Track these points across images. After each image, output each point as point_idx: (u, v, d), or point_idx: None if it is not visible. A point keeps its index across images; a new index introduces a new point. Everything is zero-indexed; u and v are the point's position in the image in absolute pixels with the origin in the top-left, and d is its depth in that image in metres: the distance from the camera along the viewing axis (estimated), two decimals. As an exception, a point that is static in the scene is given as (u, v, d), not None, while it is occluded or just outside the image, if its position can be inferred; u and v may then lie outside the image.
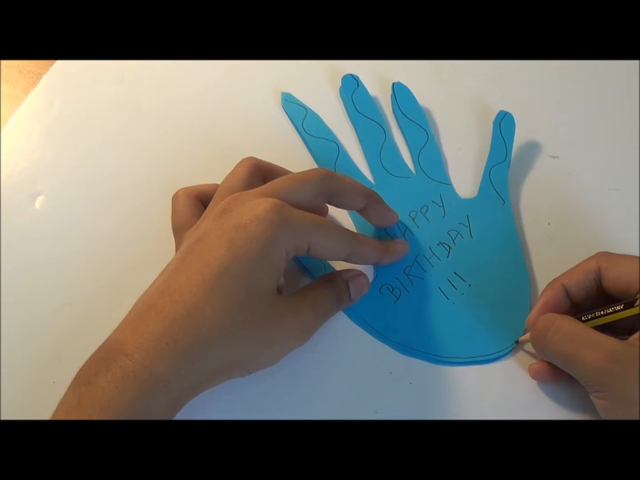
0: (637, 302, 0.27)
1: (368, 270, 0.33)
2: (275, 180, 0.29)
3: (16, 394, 0.31)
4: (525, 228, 0.35)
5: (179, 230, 0.31)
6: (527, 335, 0.31)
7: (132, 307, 0.28)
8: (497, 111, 0.37)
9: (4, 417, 0.30)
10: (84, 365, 0.26)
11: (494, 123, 0.37)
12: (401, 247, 0.33)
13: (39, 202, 0.36)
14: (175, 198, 0.32)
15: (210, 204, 0.31)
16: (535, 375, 0.31)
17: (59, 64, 0.40)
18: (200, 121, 0.38)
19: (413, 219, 0.35)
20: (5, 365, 0.32)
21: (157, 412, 0.25)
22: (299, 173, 0.30)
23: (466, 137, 0.38)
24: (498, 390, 0.31)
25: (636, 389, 0.25)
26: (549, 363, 0.30)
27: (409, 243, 0.34)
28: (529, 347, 0.32)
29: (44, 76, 0.39)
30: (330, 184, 0.30)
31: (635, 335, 0.27)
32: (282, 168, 0.33)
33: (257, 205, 0.27)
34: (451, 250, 0.34)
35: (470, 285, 0.33)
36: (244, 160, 0.32)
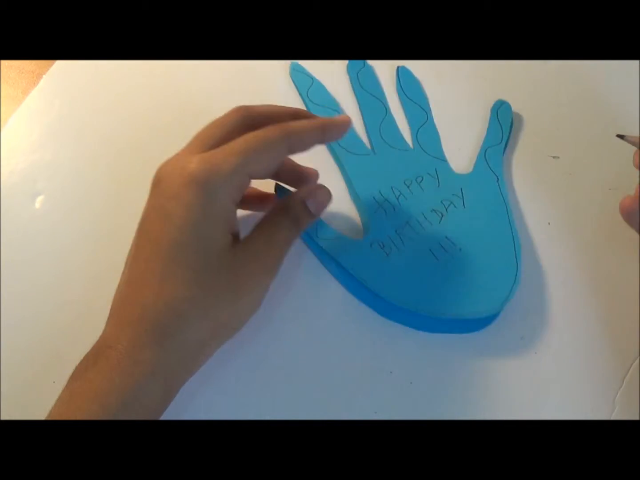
0: None
1: (360, 227, 0.34)
2: (197, 133, 0.29)
3: (16, 394, 0.31)
4: (525, 228, 0.35)
5: None
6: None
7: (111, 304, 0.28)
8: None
9: (4, 417, 0.30)
10: (76, 366, 0.26)
11: (492, 110, 0.38)
12: (341, 118, 0.31)
13: (39, 202, 0.36)
14: None
15: None
16: (627, 207, 0.28)
17: (59, 64, 0.40)
18: (200, 121, 0.38)
19: (408, 186, 0.36)
20: (5, 365, 0.32)
21: (150, 398, 0.25)
22: (217, 118, 0.29)
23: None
24: (499, 391, 0.31)
25: None
26: None
27: (402, 207, 0.35)
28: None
29: (44, 76, 0.39)
30: (250, 116, 0.29)
31: None
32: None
33: (183, 169, 0.26)
34: (443, 217, 0.35)
35: (460, 249, 0.34)
36: (231, 110, 0.30)
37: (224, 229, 0.27)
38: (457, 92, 0.40)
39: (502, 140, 0.37)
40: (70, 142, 0.38)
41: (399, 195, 0.35)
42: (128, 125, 0.38)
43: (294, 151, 0.29)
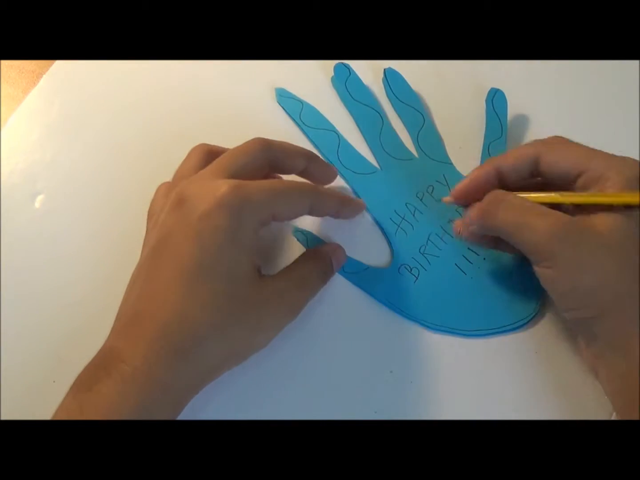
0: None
1: (384, 252, 0.34)
2: (219, 159, 0.29)
3: (16, 394, 0.31)
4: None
5: (152, 218, 0.31)
6: (449, 197, 0.32)
7: (118, 313, 0.28)
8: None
9: (4, 417, 0.30)
10: (82, 373, 0.26)
11: (486, 101, 0.38)
12: (359, 201, 0.34)
13: (39, 202, 0.36)
14: (157, 189, 0.33)
15: (168, 194, 0.30)
16: (457, 232, 0.32)
17: (59, 64, 0.40)
18: (201, 120, 0.38)
19: (421, 199, 0.36)
20: (5, 365, 0.32)
21: (161, 413, 0.25)
22: (238, 146, 0.30)
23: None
24: (499, 391, 0.31)
25: (584, 258, 0.26)
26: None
27: (420, 223, 0.35)
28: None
29: (44, 76, 0.39)
30: (271, 150, 0.30)
31: (580, 215, 0.28)
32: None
33: (214, 190, 0.26)
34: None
35: (484, 258, 0.34)
36: (196, 147, 0.32)
37: (249, 258, 0.27)
38: (450, 89, 0.39)
39: (502, 133, 0.37)
40: (70, 142, 0.38)
41: (415, 211, 0.35)
42: (128, 124, 0.38)
43: (312, 212, 0.30)
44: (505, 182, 0.31)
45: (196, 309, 0.26)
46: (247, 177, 0.28)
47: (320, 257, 0.31)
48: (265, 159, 0.30)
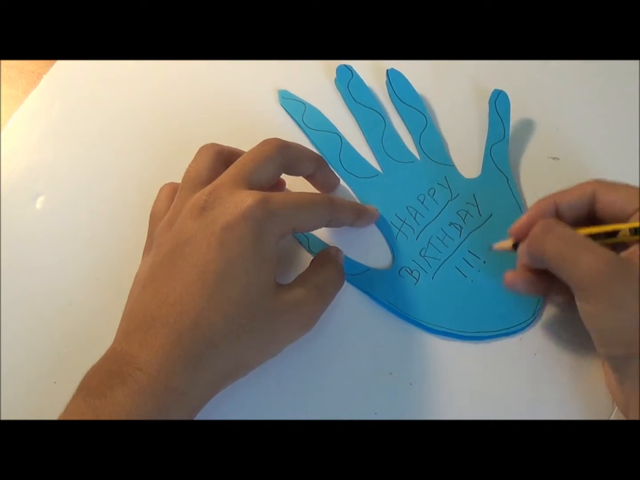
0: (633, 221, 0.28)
1: (385, 255, 0.34)
2: (238, 163, 0.29)
3: (16, 394, 0.31)
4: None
5: (156, 219, 0.31)
6: (504, 242, 0.32)
7: (126, 315, 0.28)
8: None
9: (4, 417, 0.30)
10: (91, 377, 0.26)
11: (490, 102, 0.38)
12: (373, 210, 0.34)
13: (39, 203, 0.36)
14: (160, 190, 0.33)
15: (178, 195, 0.30)
16: (510, 281, 0.31)
17: (59, 64, 0.40)
18: (201, 121, 0.38)
19: (422, 202, 0.36)
20: (6, 365, 0.32)
21: (176, 419, 0.25)
22: (257, 150, 0.30)
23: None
24: (498, 391, 0.31)
25: (627, 295, 0.26)
26: (525, 272, 0.30)
27: (421, 226, 0.35)
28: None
29: (44, 76, 0.39)
30: (287, 153, 0.30)
31: (628, 250, 0.28)
32: (243, 151, 0.32)
33: (241, 202, 0.27)
34: (462, 230, 0.35)
35: (485, 262, 0.34)
36: (206, 147, 0.31)
37: (269, 269, 0.27)
38: (452, 90, 0.39)
39: (504, 135, 0.37)
40: (70, 142, 0.38)
41: (416, 214, 0.35)
42: (128, 125, 0.38)
43: (330, 224, 0.31)
44: (563, 220, 0.30)
45: (214, 317, 0.26)
46: (266, 183, 0.29)
47: (334, 264, 0.31)
48: (282, 163, 0.30)
